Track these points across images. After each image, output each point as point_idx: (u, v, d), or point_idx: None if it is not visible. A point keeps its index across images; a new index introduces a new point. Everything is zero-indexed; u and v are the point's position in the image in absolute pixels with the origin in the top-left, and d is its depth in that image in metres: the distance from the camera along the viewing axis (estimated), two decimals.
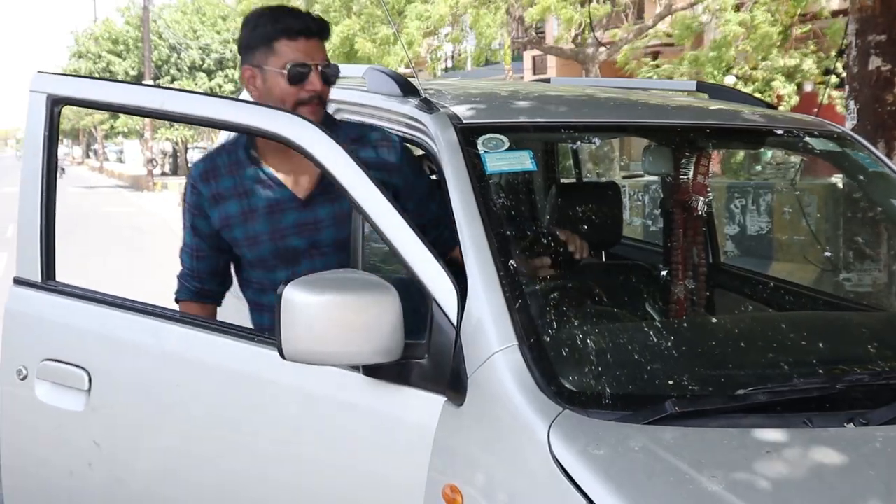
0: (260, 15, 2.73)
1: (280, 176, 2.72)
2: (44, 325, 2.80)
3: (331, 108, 3.28)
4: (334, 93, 3.39)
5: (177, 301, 2.92)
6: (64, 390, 2.74)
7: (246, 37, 2.73)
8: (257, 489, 2.50)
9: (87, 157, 77.36)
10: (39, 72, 2.84)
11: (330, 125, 2.74)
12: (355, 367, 2.30)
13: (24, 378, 2.77)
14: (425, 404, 2.21)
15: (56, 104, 2.75)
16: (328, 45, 2.83)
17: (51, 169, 2.72)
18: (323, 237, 2.72)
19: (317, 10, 24.70)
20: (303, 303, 2.14)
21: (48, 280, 2.76)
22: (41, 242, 2.73)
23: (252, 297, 2.87)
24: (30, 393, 2.76)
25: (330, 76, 2.72)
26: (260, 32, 2.69)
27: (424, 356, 2.22)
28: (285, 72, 2.65)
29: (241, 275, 2.89)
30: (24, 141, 2.80)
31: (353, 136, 2.74)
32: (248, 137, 2.74)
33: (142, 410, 2.69)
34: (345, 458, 2.37)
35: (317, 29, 2.71)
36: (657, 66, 20.03)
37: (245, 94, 2.96)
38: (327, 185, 2.66)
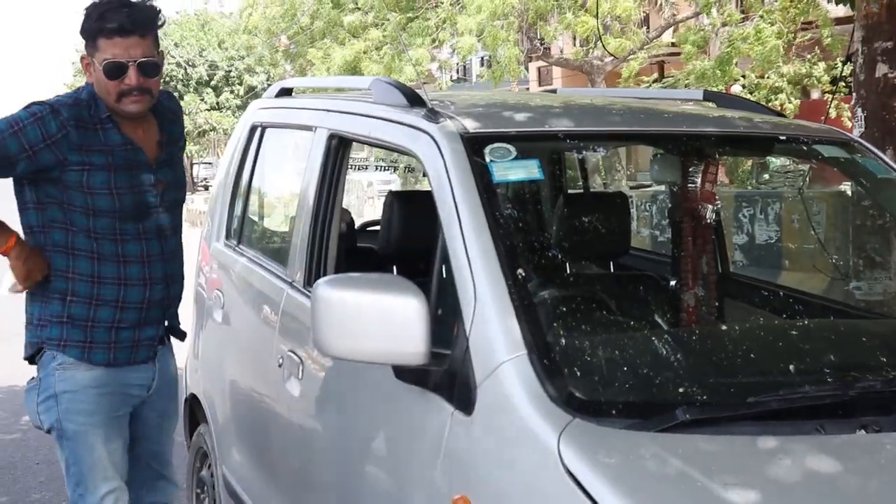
0: (93, 8, 2.95)
1: (136, 141, 3.01)
2: (296, 322, 3.17)
3: (336, 119, 3.29)
4: (341, 104, 3.40)
5: None
6: (292, 378, 3.08)
7: (81, 28, 2.97)
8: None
9: None
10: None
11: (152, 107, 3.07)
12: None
13: (280, 365, 3.16)
14: (439, 412, 2.22)
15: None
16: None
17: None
18: (165, 197, 3.08)
19: (319, 26, 24.81)
20: (334, 299, 2.24)
21: (307, 285, 3.08)
22: (308, 252, 3.14)
23: (81, 243, 2.92)
24: (280, 379, 3.15)
25: (150, 69, 2.94)
26: (86, 27, 2.94)
27: (446, 364, 2.24)
28: (101, 67, 2.90)
29: (69, 218, 2.92)
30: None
31: (171, 107, 3.23)
32: (103, 102, 2.94)
33: (321, 401, 2.96)
34: (378, 454, 2.54)
35: (131, 27, 2.88)
36: (660, 80, 20.03)
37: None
38: (168, 155, 3.11)
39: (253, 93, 37.34)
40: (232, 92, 39.44)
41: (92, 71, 2.95)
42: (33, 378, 3.09)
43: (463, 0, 20.43)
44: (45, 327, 2.99)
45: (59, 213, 2.91)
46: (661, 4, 20.57)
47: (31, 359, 3.06)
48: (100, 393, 2.97)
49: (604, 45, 17.48)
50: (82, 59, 3.00)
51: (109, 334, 2.97)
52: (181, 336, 3.31)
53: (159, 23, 2.98)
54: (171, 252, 3.09)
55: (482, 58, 25.24)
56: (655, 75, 21.48)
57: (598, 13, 12.77)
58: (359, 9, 23.79)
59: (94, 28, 2.90)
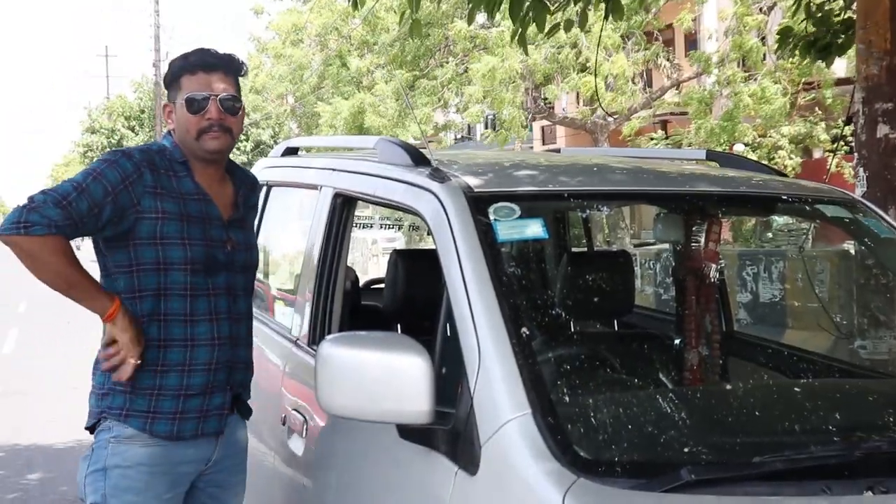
0: (176, 57, 2.96)
1: (209, 193, 2.91)
2: (300, 380, 3.17)
3: (342, 178, 3.32)
4: (346, 163, 3.43)
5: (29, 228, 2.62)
6: (295, 436, 3.10)
7: (165, 76, 2.96)
8: None
9: None
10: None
11: (231, 169, 3.04)
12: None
13: (284, 423, 3.19)
14: (443, 471, 2.21)
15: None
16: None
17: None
18: (236, 257, 2.93)
19: (328, 85, 25.08)
20: (339, 357, 2.25)
21: (312, 344, 3.13)
22: (313, 310, 3.21)
23: (148, 307, 2.77)
24: (283, 436, 3.20)
25: (231, 106, 2.87)
26: (170, 72, 2.92)
27: (451, 423, 2.24)
28: (184, 102, 2.85)
29: (138, 282, 2.77)
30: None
31: (252, 180, 3.14)
32: (180, 150, 2.89)
33: (324, 460, 2.93)
34: None
35: (214, 62, 2.88)
36: (666, 138, 20.23)
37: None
38: (242, 215, 3.01)
39: (259, 149, 37.59)
40: (238, 148, 39.75)
41: (173, 117, 2.91)
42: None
43: (469, 62, 20.71)
44: (107, 396, 2.81)
45: (127, 280, 2.77)
46: (663, 66, 20.80)
47: (92, 428, 2.87)
48: (152, 472, 2.78)
49: (600, 104, 17.65)
50: (164, 106, 2.97)
51: (176, 403, 2.78)
52: (246, 413, 3.04)
53: (241, 71, 2.96)
54: (238, 313, 2.93)
55: (486, 118, 25.49)
56: (661, 133, 21.63)
57: (595, 71, 12.88)
58: (360, 58, 24.14)
59: (177, 67, 2.89)
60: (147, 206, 2.75)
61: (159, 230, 2.76)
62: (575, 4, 6.29)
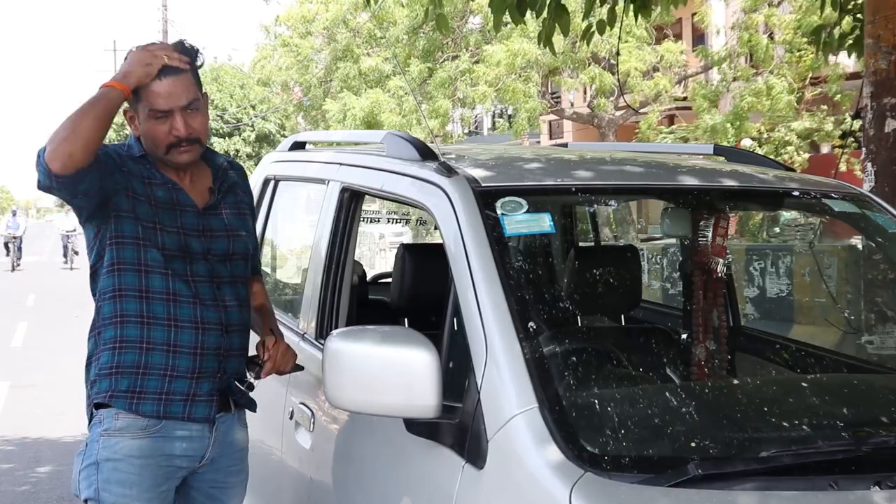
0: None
1: (182, 185, 2.84)
2: (307, 374, 3.09)
3: (349, 173, 3.32)
4: (353, 157, 3.43)
5: None
6: (302, 430, 3.12)
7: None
8: None
9: None
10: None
11: (205, 154, 2.90)
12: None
13: (291, 417, 3.21)
14: (450, 465, 2.22)
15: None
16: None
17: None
18: (215, 246, 2.83)
19: (337, 78, 25.04)
20: (346, 351, 2.27)
21: (319, 338, 3.16)
22: (320, 304, 3.24)
23: (130, 281, 2.73)
24: (291, 431, 3.22)
25: (197, 112, 2.75)
26: None
27: (458, 417, 2.25)
28: (147, 114, 2.71)
29: (118, 254, 2.74)
30: None
31: (229, 161, 3.03)
32: (140, 148, 2.78)
33: (332, 454, 2.93)
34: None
35: (169, 69, 2.70)
36: (671, 133, 20.21)
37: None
38: (219, 201, 2.88)
39: (266, 140, 37.58)
40: (244, 140, 39.72)
41: (137, 124, 2.77)
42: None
43: (482, 53, 20.70)
44: (95, 383, 2.77)
45: (110, 252, 2.73)
46: (672, 61, 20.76)
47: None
48: (143, 464, 2.73)
49: (623, 96, 17.59)
50: (125, 112, 2.78)
51: (162, 383, 2.72)
52: (250, 404, 2.98)
53: (198, 62, 2.80)
54: (225, 300, 2.82)
55: (495, 111, 25.44)
56: (674, 127, 21.59)
57: (617, 65, 12.88)
58: (369, 56, 24.07)
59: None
60: (120, 180, 2.69)
61: (133, 208, 2.70)
62: (601, 5, 6.37)
